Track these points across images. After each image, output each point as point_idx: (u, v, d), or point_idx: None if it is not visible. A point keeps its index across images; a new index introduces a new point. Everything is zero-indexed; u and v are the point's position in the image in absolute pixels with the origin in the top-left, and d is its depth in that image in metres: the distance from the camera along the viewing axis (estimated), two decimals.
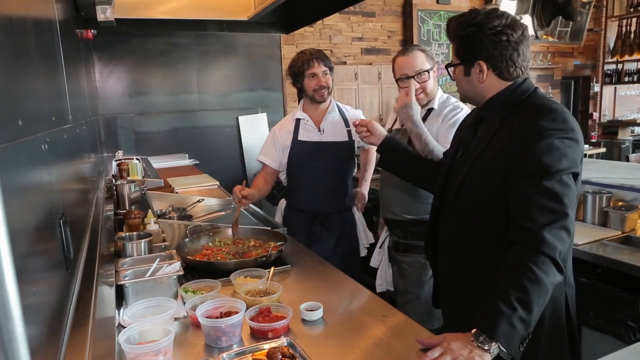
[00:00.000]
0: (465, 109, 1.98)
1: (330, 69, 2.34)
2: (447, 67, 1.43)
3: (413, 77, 1.95)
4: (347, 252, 2.39)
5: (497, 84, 1.34)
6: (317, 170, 2.29)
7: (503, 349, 1.11)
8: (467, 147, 1.43)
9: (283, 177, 2.42)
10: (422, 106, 2.02)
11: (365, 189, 2.58)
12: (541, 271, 1.14)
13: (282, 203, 2.48)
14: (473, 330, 1.13)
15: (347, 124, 2.37)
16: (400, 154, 1.79)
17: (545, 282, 1.15)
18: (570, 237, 1.23)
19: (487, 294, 1.18)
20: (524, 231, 1.19)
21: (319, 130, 2.34)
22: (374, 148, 2.41)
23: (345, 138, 2.36)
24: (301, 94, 2.40)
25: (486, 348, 1.10)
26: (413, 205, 2.03)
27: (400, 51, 2.04)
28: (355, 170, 2.51)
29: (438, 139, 1.91)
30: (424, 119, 2.00)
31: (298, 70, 2.31)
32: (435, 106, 2.01)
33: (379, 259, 2.29)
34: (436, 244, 1.53)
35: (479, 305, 1.18)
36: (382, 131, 1.83)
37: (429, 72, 1.97)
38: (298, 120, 2.36)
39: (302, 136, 2.34)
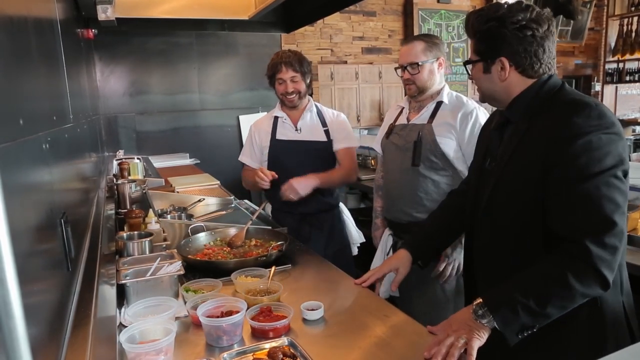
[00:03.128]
0: (482, 111, 1.94)
1: (304, 73, 2.25)
2: (465, 64, 1.34)
3: (405, 68, 1.95)
4: (339, 251, 2.38)
5: (520, 81, 1.24)
6: (297, 169, 2.25)
7: (497, 328, 1.09)
8: (495, 153, 1.33)
9: None
10: (420, 99, 2.00)
11: (305, 181, 2.18)
12: (575, 278, 1.06)
13: (268, 207, 2.46)
14: (476, 301, 1.12)
15: (324, 124, 2.36)
16: (435, 241, 1.61)
17: (575, 288, 1.07)
18: (622, 245, 1.11)
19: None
20: (567, 241, 1.10)
21: (296, 129, 2.33)
22: (346, 152, 2.33)
23: (323, 138, 2.34)
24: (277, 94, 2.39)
25: (484, 323, 1.10)
26: (427, 207, 1.93)
27: (404, 39, 2.06)
28: None
29: (465, 151, 1.88)
30: (434, 113, 1.96)
31: (270, 73, 2.30)
32: (445, 100, 1.96)
33: (381, 262, 2.24)
34: (471, 260, 1.43)
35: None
36: (402, 260, 1.54)
37: (422, 65, 1.92)
38: (276, 119, 2.36)
39: (280, 135, 2.33)
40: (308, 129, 2.33)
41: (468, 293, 1.50)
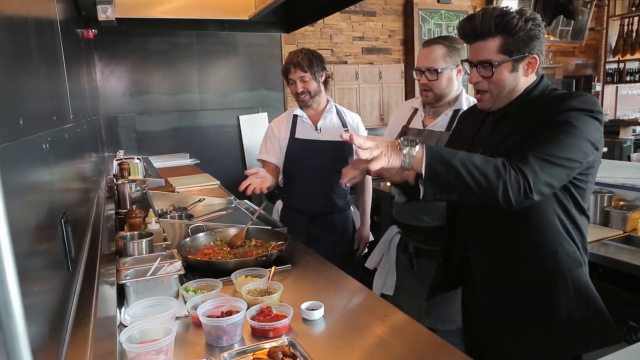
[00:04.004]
0: None
1: (314, 72, 2.26)
2: (486, 64, 1.31)
3: (423, 72, 1.88)
4: (348, 251, 2.38)
5: (532, 77, 1.36)
6: (315, 169, 2.27)
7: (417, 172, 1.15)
8: (486, 142, 1.39)
9: (280, 177, 2.41)
10: (438, 106, 1.94)
11: (366, 226, 2.46)
12: (503, 170, 1.14)
13: (279, 204, 2.47)
14: (410, 138, 1.17)
15: (344, 125, 2.37)
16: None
17: (492, 178, 1.13)
18: (558, 183, 1.21)
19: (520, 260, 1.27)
20: (516, 156, 1.19)
21: (317, 129, 2.33)
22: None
23: None
24: None
25: (403, 152, 1.15)
26: (440, 213, 1.90)
27: (425, 42, 1.96)
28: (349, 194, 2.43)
29: None
30: (451, 122, 1.90)
31: (284, 74, 2.32)
32: (464, 107, 1.90)
33: (377, 261, 2.21)
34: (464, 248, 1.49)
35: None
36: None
37: (441, 72, 1.85)
38: (295, 117, 2.35)
39: (300, 134, 2.33)
40: (329, 130, 2.33)
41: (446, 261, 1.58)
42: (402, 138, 1.18)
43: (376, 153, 1.14)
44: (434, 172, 1.14)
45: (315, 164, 2.27)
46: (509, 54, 1.30)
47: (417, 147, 1.15)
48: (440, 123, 1.94)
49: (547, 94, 1.33)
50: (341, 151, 2.33)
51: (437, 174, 1.14)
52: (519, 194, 1.15)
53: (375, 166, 1.14)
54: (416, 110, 2.05)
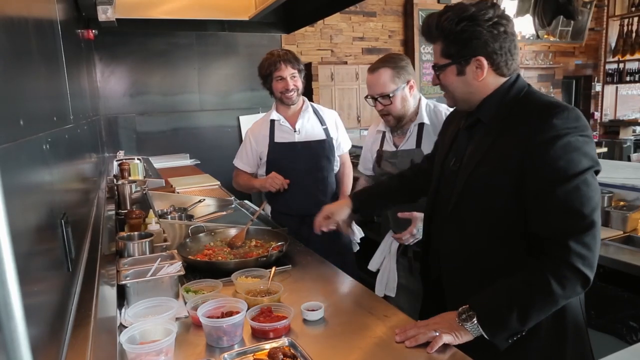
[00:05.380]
0: None
1: (300, 70, 2.29)
2: (435, 69, 1.29)
3: (376, 99, 1.89)
4: (341, 250, 2.38)
5: (494, 80, 1.23)
6: (298, 171, 2.27)
7: (486, 337, 1.14)
8: (462, 154, 1.31)
9: None
10: (402, 125, 1.95)
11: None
12: (559, 285, 1.08)
13: (268, 208, 2.47)
14: (461, 309, 1.16)
15: (322, 123, 2.37)
16: (375, 201, 1.75)
17: (558, 294, 1.09)
18: (599, 242, 1.12)
19: (495, 282, 1.17)
20: (549, 242, 1.12)
21: (295, 131, 2.33)
22: (347, 156, 2.40)
23: (322, 137, 2.35)
24: (272, 94, 2.39)
25: (467, 327, 1.14)
26: None
27: (369, 67, 1.93)
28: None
29: None
30: (418, 137, 1.91)
31: (266, 72, 2.29)
32: (426, 120, 1.91)
33: (379, 262, 2.20)
34: (436, 257, 1.41)
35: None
36: (341, 207, 1.71)
37: (393, 95, 1.85)
38: (273, 122, 2.35)
39: (279, 138, 2.33)
40: (307, 130, 2.34)
41: (425, 285, 1.53)
42: (458, 312, 1.17)
43: (432, 334, 1.14)
44: (500, 331, 1.13)
45: (298, 166, 2.28)
46: (450, 57, 1.23)
47: (475, 320, 1.14)
48: (409, 141, 1.96)
49: (524, 97, 1.23)
50: (322, 150, 2.33)
51: (503, 329, 1.13)
52: (583, 286, 1.11)
53: (439, 343, 1.13)
54: (384, 133, 2.07)
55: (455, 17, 1.19)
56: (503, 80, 1.24)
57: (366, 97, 1.96)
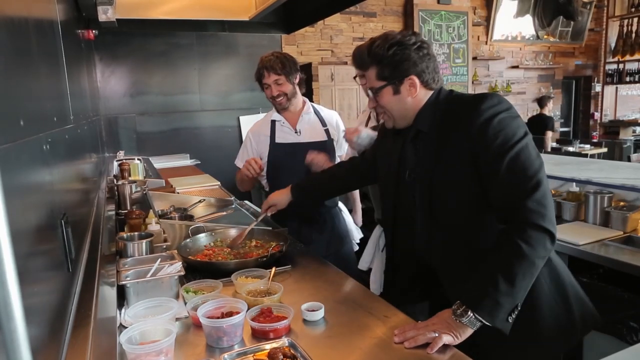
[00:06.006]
0: None
1: (287, 74, 2.23)
2: (372, 91, 1.41)
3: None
4: (341, 250, 2.38)
5: (424, 94, 1.40)
6: (298, 172, 2.26)
7: (487, 324, 1.17)
8: (413, 164, 1.43)
9: (264, 181, 2.41)
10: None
11: (358, 214, 2.72)
12: (528, 245, 1.17)
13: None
14: (454, 306, 1.20)
15: (323, 124, 2.37)
16: (312, 192, 1.94)
17: (530, 254, 1.17)
18: (551, 199, 1.25)
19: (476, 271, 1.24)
20: (508, 210, 1.23)
21: (296, 132, 2.33)
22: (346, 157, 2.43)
23: (323, 137, 2.35)
24: None
25: (464, 321, 1.17)
26: None
27: None
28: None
29: None
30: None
31: (257, 79, 2.30)
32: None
33: (369, 261, 2.21)
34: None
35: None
36: (282, 196, 1.91)
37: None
38: (274, 122, 2.35)
39: (280, 138, 2.33)
40: (308, 131, 2.33)
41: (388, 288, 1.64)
42: (452, 309, 1.21)
43: (431, 335, 1.17)
44: (496, 309, 1.18)
45: (299, 167, 2.27)
46: (386, 79, 1.38)
47: (469, 312, 1.18)
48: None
49: (451, 100, 1.38)
50: (322, 150, 2.30)
51: (497, 305, 1.17)
52: (551, 240, 1.19)
53: (439, 344, 1.15)
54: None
55: (385, 43, 1.34)
56: (430, 92, 1.41)
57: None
